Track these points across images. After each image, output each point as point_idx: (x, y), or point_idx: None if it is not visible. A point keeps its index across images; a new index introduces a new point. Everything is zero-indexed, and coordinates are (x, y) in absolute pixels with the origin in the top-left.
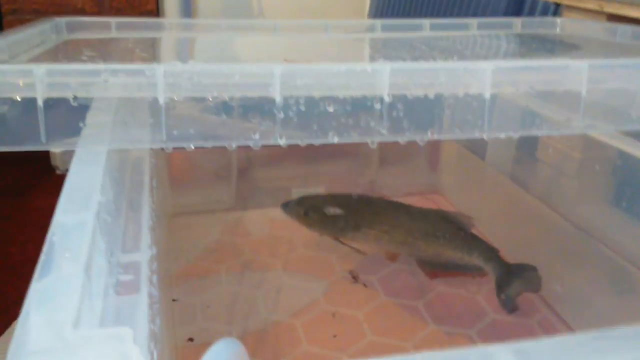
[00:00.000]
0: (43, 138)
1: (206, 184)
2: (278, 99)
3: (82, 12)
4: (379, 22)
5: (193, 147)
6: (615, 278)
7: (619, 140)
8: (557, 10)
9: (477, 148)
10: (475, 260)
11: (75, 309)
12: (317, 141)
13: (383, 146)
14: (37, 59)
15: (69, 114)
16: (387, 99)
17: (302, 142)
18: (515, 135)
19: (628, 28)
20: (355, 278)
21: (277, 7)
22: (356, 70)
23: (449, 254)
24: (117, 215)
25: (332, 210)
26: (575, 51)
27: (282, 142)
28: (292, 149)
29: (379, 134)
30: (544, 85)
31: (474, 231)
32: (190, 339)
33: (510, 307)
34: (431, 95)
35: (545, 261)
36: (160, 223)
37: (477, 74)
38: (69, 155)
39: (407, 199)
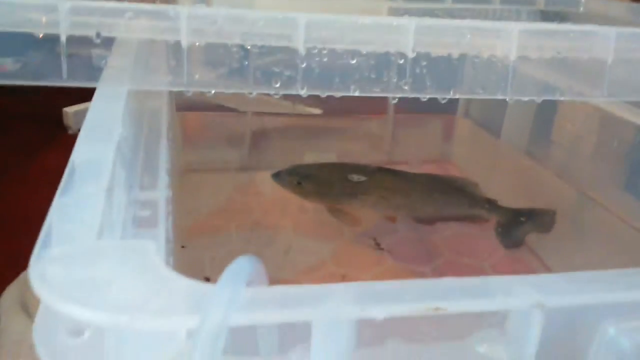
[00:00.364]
0: (64, 74)
1: (219, 145)
2: (301, 48)
3: None
4: None
5: (213, 92)
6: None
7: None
8: None
9: (492, 127)
10: (477, 212)
11: (97, 221)
12: (338, 93)
13: (398, 122)
14: None
15: (91, 52)
16: (410, 54)
17: (323, 93)
18: (538, 99)
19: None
20: (377, 245)
21: None
22: (381, 24)
23: (448, 211)
24: (136, 153)
25: (356, 177)
26: None
27: (303, 92)
28: (306, 119)
29: (401, 90)
30: (569, 52)
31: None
32: (207, 278)
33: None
34: (455, 55)
35: (558, 234)
36: (172, 179)
37: (503, 35)
38: (80, 115)
39: (420, 167)
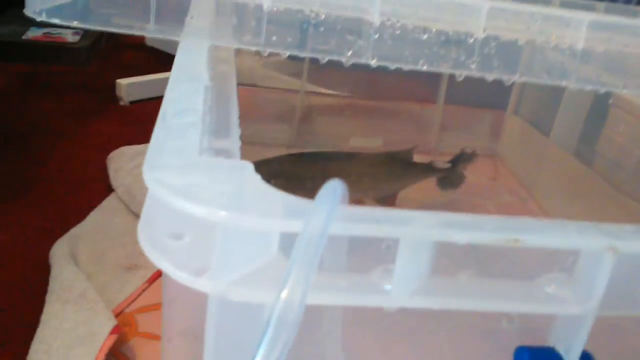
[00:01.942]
0: (152, 26)
1: (269, 121)
2: (376, 20)
3: None
4: None
5: (287, 54)
6: None
7: None
8: None
9: (542, 125)
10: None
11: (197, 143)
12: (406, 66)
13: (447, 112)
14: None
15: (177, 7)
16: (481, 35)
17: (392, 65)
18: (602, 89)
19: None
20: None
21: None
22: (455, 2)
23: (406, 184)
24: (212, 103)
25: (323, 166)
26: None
27: (373, 62)
28: (356, 101)
29: (468, 68)
30: (637, 48)
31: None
32: None
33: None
34: (524, 39)
35: None
36: None
37: (573, 24)
38: (132, 87)
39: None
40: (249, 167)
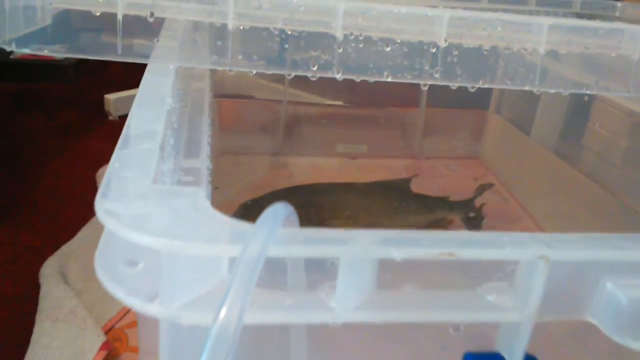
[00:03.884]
0: (119, 50)
1: (254, 131)
2: (339, 35)
3: None
4: None
5: (254, 72)
6: None
7: None
8: None
9: (522, 124)
10: (438, 215)
11: (153, 171)
12: (371, 78)
13: (430, 115)
14: None
15: (144, 31)
16: (443, 44)
17: (357, 78)
18: (565, 92)
19: None
20: None
21: None
22: (416, 14)
23: (411, 220)
24: (181, 124)
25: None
26: None
27: (339, 76)
28: (339, 109)
29: (432, 78)
30: (598, 49)
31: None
32: None
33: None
34: (486, 46)
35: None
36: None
37: (534, 29)
38: (121, 102)
39: (447, 161)
40: (201, 193)
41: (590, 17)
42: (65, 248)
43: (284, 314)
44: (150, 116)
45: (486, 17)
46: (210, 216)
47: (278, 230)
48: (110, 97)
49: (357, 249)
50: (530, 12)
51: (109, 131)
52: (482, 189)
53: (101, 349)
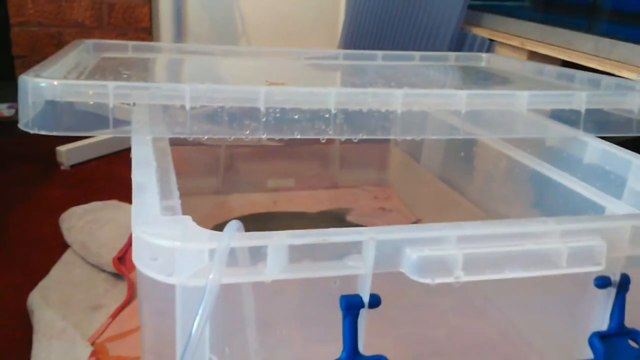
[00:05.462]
0: (111, 127)
1: (198, 173)
2: (262, 108)
3: (82, 26)
4: (342, 52)
5: (206, 137)
6: None
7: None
8: (491, 45)
9: (414, 153)
10: None
11: (158, 209)
12: (286, 136)
13: (344, 149)
14: (92, 75)
15: (124, 114)
16: (333, 110)
17: (277, 137)
18: (408, 137)
19: (531, 64)
20: None
21: (260, 29)
22: (313, 92)
23: None
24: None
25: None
26: (487, 79)
27: (264, 136)
28: (269, 149)
29: (327, 133)
30: (433, 107)
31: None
32: None
33: None
34: (365, 110)
35: None
36: None
37: (392, 97)
38: (71, 153)
39: (364, 188)
40: (190, 220)
41: (460, 68)
42: (42, 283)
43: (238, 277)
44: (146, 176)
45: (361, 92)
46: (199, 230)
47: (235, 235)
48: (62, 148)
49: (278, 240)
50: (414, 67)
51: (63, 180)
52: None
53: (90, 357)
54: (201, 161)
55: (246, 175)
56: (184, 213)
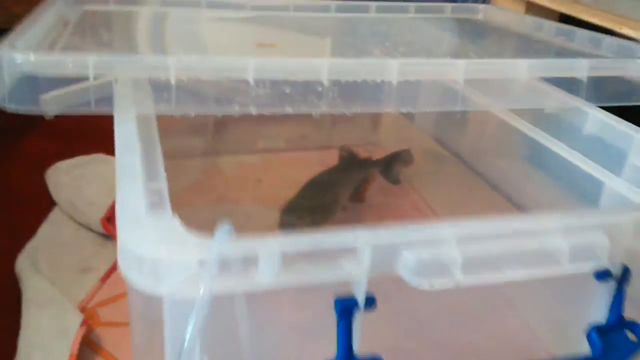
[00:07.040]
0: (93, 106)
1: (186, 134)
2: (252, 81)
3: None
4: (333, 4)
5: (194, 114)
6: None
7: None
8: None
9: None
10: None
11: (143, 204)
12: (277, 111)
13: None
14: (73, 39)
15: (108, 89)
16: (326, 83)
17: (267, 112)
18: (403, 110)
19: (530, 19)
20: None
21: None
22: (304, 62)
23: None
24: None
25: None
26: (482, 34)
27: (254, 111)
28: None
29: (319, 107)
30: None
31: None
32: None
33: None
34: (359, 80)
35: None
36: None
37: (387, 68)
38: (56, 101)
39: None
40: (178, 221)
41: (456, 20)
42: (30, 244)
43: (229, 285)
44: (131, 160)
45: (354, 62)
46: (186, 234)
47: (226, 241)
48: (46, 96)
49: (270, 246)
50: (408, 19)
51: (48, 130)
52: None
53: (81, 325)
54: (190, 120)
55: (235, 135)
56: (173, 179)
